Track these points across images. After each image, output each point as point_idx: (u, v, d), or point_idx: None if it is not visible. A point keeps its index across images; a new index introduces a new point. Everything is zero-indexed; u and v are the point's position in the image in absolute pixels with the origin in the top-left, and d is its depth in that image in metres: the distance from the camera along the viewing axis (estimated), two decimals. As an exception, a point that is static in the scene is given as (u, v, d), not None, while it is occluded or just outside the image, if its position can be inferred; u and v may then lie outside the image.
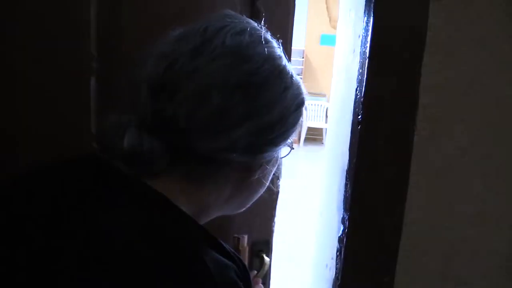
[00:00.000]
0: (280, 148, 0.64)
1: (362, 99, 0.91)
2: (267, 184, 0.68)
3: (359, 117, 0.92)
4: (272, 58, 0.59)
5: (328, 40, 9.58)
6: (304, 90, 0.64)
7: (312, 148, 9.37)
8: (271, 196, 1.05)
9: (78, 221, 0.53)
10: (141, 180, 0.57)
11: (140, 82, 0.58)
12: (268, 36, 0.62)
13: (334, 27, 9.58)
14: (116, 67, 0.91)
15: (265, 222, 1.10)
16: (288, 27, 0.98)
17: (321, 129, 9.72)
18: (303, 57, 9.38)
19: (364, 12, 0.93)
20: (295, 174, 7.39)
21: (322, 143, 9.76)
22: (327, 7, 9.49)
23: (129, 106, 0.60)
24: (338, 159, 1.08)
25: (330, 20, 9.59)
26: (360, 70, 0.96)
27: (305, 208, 5.65)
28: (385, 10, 0.89)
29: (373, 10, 0.89)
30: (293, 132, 0.63)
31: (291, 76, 0.61)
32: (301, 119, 0.64)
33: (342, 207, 1.02)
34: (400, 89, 0.92)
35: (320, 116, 9.63)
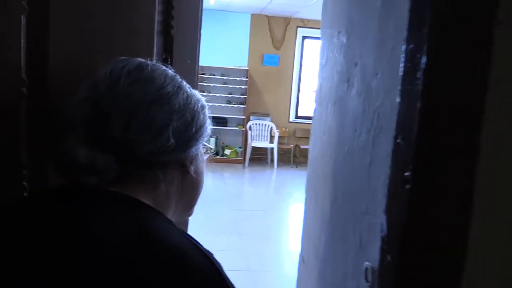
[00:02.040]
0: (201, 144, 0.79)
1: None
2: (203, 180, 0.84)
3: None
4: (170, 76, 0.76)
5: (271, 60, 9.62)
6: (201, 97, 0.81)
7: (257, 168, 9.31)
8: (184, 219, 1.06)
9: (68, 238, 0.62)
10: (107, 189, 0.69)
11: (74, 117, 0.71)
12: (159, 63, 0.79)
13: (277, 48, 9.66)
14: (45, 93, 0.96)
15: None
16: (197, 47, 1.11)
17: (266, 148, 9.68)
18: (247, 77, 9.35)
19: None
20: (241, 195, 7.28)
21: (267, 163, 9.73)
22: (269, 28, 9.56)
23: (70, 133, 0.71)
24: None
25: (272, 40, 9.65)
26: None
27: (257, 231, 5.54)
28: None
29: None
30: (206, 128, 0.79)
31: (189, 87, 0.78)
32: (208, 119, 0.80)
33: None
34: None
35: (264, 136, 9.60)
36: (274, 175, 9.10)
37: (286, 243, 5.35)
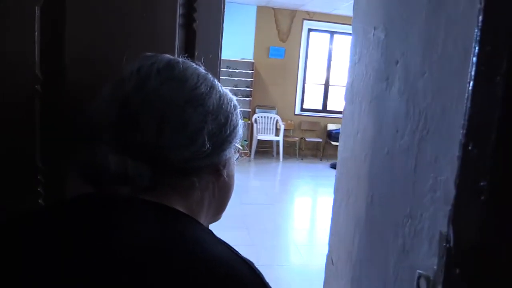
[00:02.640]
0: (234, 146, 0.75)
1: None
2: (234, 183, 0.80)
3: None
4: (202, 75, 0.72)
5: (277, 52, 9.57)
6: (232, 96, 0.77)
7: (263, 161, 9.29)
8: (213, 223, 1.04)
9: (104, 251, 0.57)
10: (140, 198, 0.65)
11: (99, 120, 0.67)
12: (189, 60, 0.74)
13: (283, 40, 9.59)
14: (61, 91, 0.91)
15: None
16: (219, 41, 1.07)
17: (272, 141, 9.66)
18: (253, 70, 9.29)
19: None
20: (248, 188, 7.26)
21: (273, 156, 9.70)
22: (275, 20, 9.49)
23: (96, 137, 0.66)
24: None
25: (278, 33, 9.59)
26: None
27: (264, 225, 5.53)
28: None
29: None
30: (239, 130, 0.75)
31: (220, 86, 0.74)
32: (240, 119, 0.76)
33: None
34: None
35: (270, 129, 9.57)
36: (279, 168, 9.08)
37: (294, 237, 5.34)
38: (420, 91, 0.83)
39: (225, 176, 0.75)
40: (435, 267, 0.67)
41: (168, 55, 0.75)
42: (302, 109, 10.03)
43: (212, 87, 0.72)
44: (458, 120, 0.70)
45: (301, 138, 9.87)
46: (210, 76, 0.74)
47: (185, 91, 0.68)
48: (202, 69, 0.74)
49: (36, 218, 0.67)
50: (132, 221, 0.62)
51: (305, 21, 9.65)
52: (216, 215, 0.81)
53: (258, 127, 9.45)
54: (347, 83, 1.22)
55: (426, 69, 0.82)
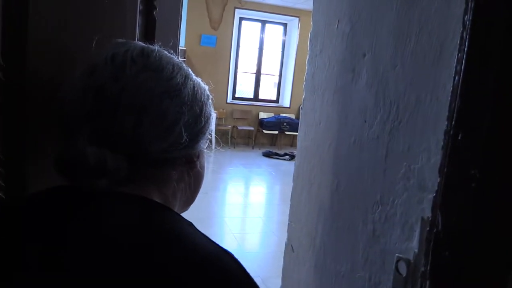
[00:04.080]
0: (206, 137, 0.74)
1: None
2: (204, 173, 0.79)
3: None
4: (177, 64, 0.70)
5: (208, 40, 9.49)
6: (205, 85, 0.75)
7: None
8: None
9: (88, 244, 0.56)
10: (119, 191, 0.64)
11: (72, 110, 0.64)
12: (162, 48, 0.72)
13: (214, 28, 9.52)
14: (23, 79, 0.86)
15: None
16: (178, 29, 1.08)
17: (203, 130, 9.61)
18: (184, 57, 9.15)
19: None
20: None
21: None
22: (207, 8, 9.39)
23: (71, 129, 0.64)
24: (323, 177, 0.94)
25: (210, 21, 9.50)
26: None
27: (199, 213, 5.50)
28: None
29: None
30: (212, 120, 0.75)
31: (193, 75, 0.72)
32: (212, 109, 0.76)
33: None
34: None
35: (202, 118, 9.52)
36: (212, 156, 9.05)
37: (229, 225, 5.37)
38: (391, 83, 0.87)
39: (198, 167, 0.75)
40: (415, 250, 0.71)
41: (140, 43, 0.73)
42: (234, 98, 10.06)
43: (187, 76, 0.70)
44: (434, 111, 0.74)
45: (233, 127, 9.91)
46: (184, 65, 0.73)
47: (161, 81, 0.66)
48: (175, 58, 0.72)
49: (12, 211, 0.65)
50: (112, 215, 0.60)
51: (236, 10, 9.64)
52: (186, 206, 0.80)
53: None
54: (307, 74, 1.24)
55: (398, 61, 0.85)
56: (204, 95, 0.73)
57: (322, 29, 1.16)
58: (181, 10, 1.10)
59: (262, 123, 9.70)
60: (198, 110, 0.69)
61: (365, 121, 0.95)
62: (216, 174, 7.87)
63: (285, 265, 1.33)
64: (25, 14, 0.84)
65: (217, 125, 9.49)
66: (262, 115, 9.93)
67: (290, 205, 1.31)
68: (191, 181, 0.75)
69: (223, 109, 9.78)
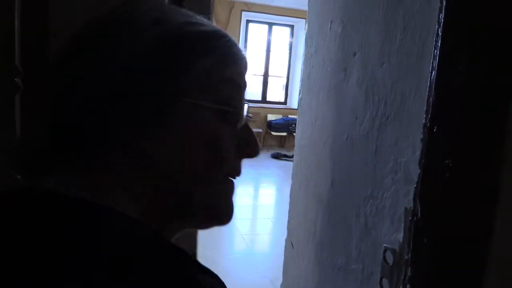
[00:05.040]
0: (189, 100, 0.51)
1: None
2: (198, 154, 0.53)
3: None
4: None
5: (216, 43, 9.55)
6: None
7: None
8: None
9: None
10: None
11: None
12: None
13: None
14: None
15: (189, 235, 1.07)
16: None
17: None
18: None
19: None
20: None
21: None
22: (213, 11, 9.44)
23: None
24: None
25: (217, 23, 9.57)
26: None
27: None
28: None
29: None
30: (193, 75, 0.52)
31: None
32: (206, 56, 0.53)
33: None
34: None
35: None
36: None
37: (238, 226, 5.41)
38: (379, 81, 0.90)
39: (159, 144, 0.51)
40: (400, 240, 0.74)
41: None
42: (242, 100, 10.10)
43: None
44: (417, 106, 0.77)
45: (242, 129, 9.95)
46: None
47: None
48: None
49: None
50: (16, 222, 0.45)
51: (243, 12, 9.70)
52: (188, 213, 0.55)
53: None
54: (303, 74, 1.28)
55: (385, 60, 0.88)
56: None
57: (316, 30, 1.20)
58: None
59: (271, 125, 9.73)
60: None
61: (356, 118, 0.98)
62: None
63: (286, 261, 1.36)
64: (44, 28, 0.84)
65: (225, 127, 9.53)
66: (270, 117, 9.96)
67: (289, 202, 1.34)
68: (150, 165, 0.51)
69: (231, 112, 9.83)
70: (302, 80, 1.28)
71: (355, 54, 1.00)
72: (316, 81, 1.19)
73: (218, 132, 0.53)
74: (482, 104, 0.56)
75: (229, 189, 0.58)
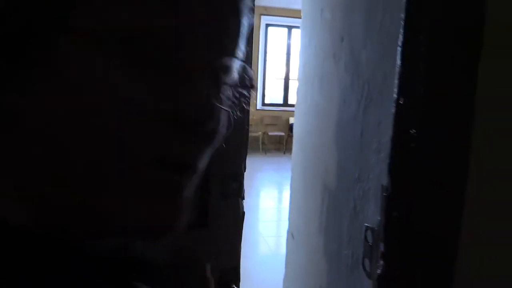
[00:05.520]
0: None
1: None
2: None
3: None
4: None
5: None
6: None
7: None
8: (239, 218, 1.01)
9: None
10: None
11: None
12: None
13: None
14: None
15: (233, 246, 1.01)
16: None
17: (235, 137, 9.72)
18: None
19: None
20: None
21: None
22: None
23: None
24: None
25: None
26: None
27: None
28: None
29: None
30: None
31: None
32: None
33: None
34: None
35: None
36: (244, 163, 9.11)
37: (260, 228, 5.41)
38: (363, 63, 0.90)
39: None
40: (379, 218, 0.74)
41: None
42: (264, 104, 10.13)
43: None
44: (395, 86, 0.77)
45: (264, 133, 9.97)
46: None
47: None
48: None
49: None
50: None
51: (262, 16, 9.74)
52: None
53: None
54: (299, 64, 1.29)
55: (367, 42, 0.88)
56: None
57: (310, 20, 1.20)
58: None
59: (293, 128, 9.70)
60: None
61: (344, 102, 0.98)
62: (248, 180, 7.91)
63: (287, 253, 1.36)
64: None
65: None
66: (292, 120, 9.92)
67: (290, 193, 1.35)
68: None
69: (253, 116, 9.87)
70: (298, 71, 1.29)
71: (342, 39, 1.00)
72: (310, 69, 1.20)
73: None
74: (446, 75, 0.55)
75: None
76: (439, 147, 0.57)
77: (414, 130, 0.56)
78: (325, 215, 1.09)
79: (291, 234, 1.33)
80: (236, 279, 0.99)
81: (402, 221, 0.60)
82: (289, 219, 1.35)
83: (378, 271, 0.72)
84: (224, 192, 1.04)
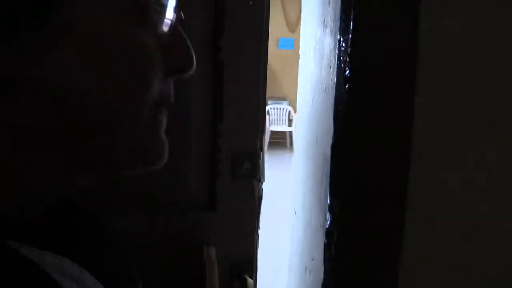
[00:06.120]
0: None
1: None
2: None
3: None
4: None
5: (286, 43, 9.60)
6: None
7: (276, 152, 9.33)
8: (253, 203, 0.93)
9: None
10: None
11: None
12: None
13: (292, 31, 9.61)
14: None
15: (247, 234, 0.95)
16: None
17: (285, 132, 9.70)
18: (262, 62, 9.32)
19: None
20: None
21: (286, 146, 9.75)
22: (283, 11, 9.51)
23: None
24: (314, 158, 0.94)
25: (287, 23, 9.61)
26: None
27: (277, 212, 5.55)
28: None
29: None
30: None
31: None
32: None
33: (327, 195, 0.87)
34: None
35: (283, 120, 9.60)
36: (293, 158, 9.08)
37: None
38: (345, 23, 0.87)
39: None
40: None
41: None
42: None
43: None
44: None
45: (314, 128, 9.88)
46: None
47: None
48: None
49: None
50: None
51: None
52: (100, 162, 0.39)
53: (271, 118, 9.50)
54: (302, 40, 1.26)
55: None
56: None
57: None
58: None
59: (344, 123, 9.55)
60: None
61: (329, 67, 0.95)
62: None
63: (292, 230, 1.34)
64: None
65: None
66: (344, 114, 9.77)
67: (292, 167, 1.33)
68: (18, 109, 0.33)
69: (303, 111, 9.79)
70: (301, 46, 1.27)
71: (329, 3, 0.97)
72: (309, 43, 1.17)
73: (132, 38, 0.36)
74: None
75: (158, 122, 0.41)
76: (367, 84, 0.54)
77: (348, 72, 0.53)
78: (324, 188, 1.06)
79: (294, 210, 1.31)
80: (251, 270, 0.96)
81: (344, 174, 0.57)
82: (293, 194, 1.33)
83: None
84: (235, 172, 0.97)
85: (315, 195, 0.99)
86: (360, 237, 0.79)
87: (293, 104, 9.71)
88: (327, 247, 0.80)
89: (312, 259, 1.05)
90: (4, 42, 0.30)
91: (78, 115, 0.34)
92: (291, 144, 9.57)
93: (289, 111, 9.58)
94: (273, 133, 9.52)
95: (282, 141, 9.86)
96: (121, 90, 0.36)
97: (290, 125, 9.54)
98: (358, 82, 0.78)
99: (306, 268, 1.10)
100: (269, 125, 9.37)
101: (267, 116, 9.44)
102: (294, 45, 9.62)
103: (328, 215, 0.63)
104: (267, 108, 9.49)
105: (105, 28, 0.35)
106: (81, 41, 0.33)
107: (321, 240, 0.94)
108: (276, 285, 3.60)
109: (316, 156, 1.04)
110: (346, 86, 0.79)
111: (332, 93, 0.92)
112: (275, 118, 9.58)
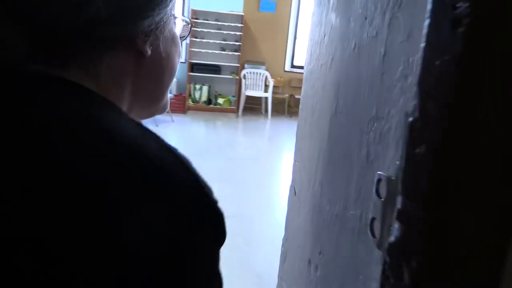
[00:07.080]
0: (164, 15, 0.60)
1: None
2: (173, 64, 0.67)
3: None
4: None
5: (268, 6, 9.25)
6: None
7: (251, 118, 9.14)
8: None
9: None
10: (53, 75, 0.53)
11: None
12: None
13: (274, -7, 9.24)
14: None
15: None
16: None
17: (260, 98, 9.47)
18: (242, 23, 8.97)
19: None
20: (234, 144, 7.13)
21: (261, 113, 9.55)
22: (266, -29, 9.12)
23: None
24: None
25: (270, -15, 9.24)
26: None
27: (249, 179, 5.43)
28: None
29: None
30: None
31: None
32: None
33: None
34: None
35: (259, 85, 9.36)
36: (268, 125, 8.92)
37: (278, 190, 5.24)
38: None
39: (149, 52, 0.61)
40: (397, 162, 0.50)
41: None
42: (293, 66, 9.80)
43: None
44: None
45: (291, 95, 9.69)
46: None
47: None
48: None
49: None
50: (35, 106, 0.49)
51: (297, -27, 9.30)
52: (150, 104, 0.68)
53: (247, 83, 9.24)
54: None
55: None
56: None
57: None
58: None
59: (321, 92, 9.40)
60: None
61: (365, 18, 0.74)
62: (271, 142, 7.74)
63: (288, 211, 1.15)
64: None
65: (274, 93, 9.31)
66: (321, 83, 9.61)
67: (295, 141, 1.13)
68: (141, 70, 0.62)
69: (280, 77, 9.57)
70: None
71: None
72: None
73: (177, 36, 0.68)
74: None
75: None
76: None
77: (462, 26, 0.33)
78: (332, 168, 0.86)
79: (293, 189, 1.12)
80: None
81: (431, 155, 0.37)
82: (293, 172, 1.13)
83: (391, 239, 0.50)
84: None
85: (341, 179, 0.79)
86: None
87: (270, 69, 9.44)
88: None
89: (319, 253, 0.86)
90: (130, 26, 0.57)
91: (167, 73, 0.66)
92: (266, 110, 9.37)
93: (266, 76, 9.32)
94: (248, 98, 9.27)
95: (257, 107, 9.64)
96: (176, 63, 0.68)
97: (266, 90, 9.30)
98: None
99: (310, 262, 0.92)
100: (245, 89, 9.11)
101: (243, 80, 9.17)
102: (275, 8, 9.28)
103: (396, 224, 0.43)
104: (243, 72, 9.21)
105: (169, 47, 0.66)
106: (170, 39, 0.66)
107: (341, 238, 0.75)
108: (247, 251, 3.51)
109: (345, 127, 0.84)
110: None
111: (368, 51, 0.71)
112: (251, 83, 9.32)
